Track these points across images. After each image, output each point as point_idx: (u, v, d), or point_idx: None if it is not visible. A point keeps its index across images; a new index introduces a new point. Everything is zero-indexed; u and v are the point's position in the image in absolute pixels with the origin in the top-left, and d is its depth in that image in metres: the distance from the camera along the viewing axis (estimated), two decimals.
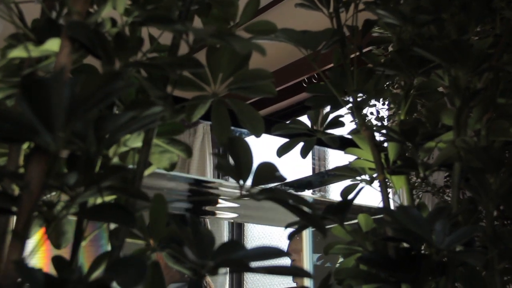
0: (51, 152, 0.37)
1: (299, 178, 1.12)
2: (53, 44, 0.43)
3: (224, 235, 3.04)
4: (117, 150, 0.49)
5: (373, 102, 1.59)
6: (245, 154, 0.45)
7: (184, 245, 0.39)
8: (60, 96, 0.29)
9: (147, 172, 0.60)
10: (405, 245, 0.58)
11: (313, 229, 1.09)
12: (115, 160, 0.50)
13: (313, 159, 2.77)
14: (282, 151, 0.75)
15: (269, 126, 0.76)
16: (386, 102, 1.52)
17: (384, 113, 1.47)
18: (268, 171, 0.44)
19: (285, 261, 2.49)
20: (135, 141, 0.51)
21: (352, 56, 0.71)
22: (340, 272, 0.67)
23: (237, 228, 3.19)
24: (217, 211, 1.21)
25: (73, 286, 0.30)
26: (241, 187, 0.47)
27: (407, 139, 0.60)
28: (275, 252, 0.42)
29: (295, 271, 0.41)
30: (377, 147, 0.65)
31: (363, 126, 0.65)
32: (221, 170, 0.48)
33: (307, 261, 1.04)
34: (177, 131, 0.56)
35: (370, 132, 0.65)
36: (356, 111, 0.67)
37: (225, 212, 1.20)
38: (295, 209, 0.46)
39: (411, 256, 0.57)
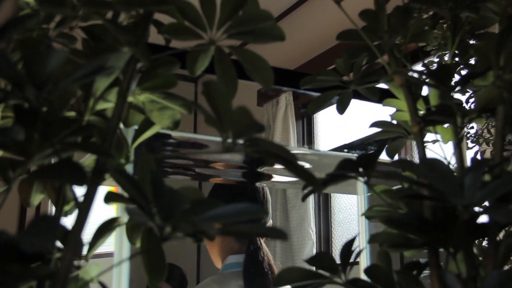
0: None
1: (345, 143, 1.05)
2: None
3: (309, 207, 2.98)
4: (94, 106, 0.45)
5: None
6: (224, 100, 0.39)
7: (137, 204, 0.34)
8: None
9: (150, 132, 0.56)
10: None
11: (368, 194, 1.01)
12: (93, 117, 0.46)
13: None
14: (315, 106, 0.68)
15: (297, 80, 0.69)
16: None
17: None
18: (245, 118, 0.38)
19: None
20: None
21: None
22: (375, 237, 0.60)
23: (323, 199, 3.13)
24: (274, 175, 1.16)
25: None
26: (224, 140, 0.41)
27: (439, 82, 0.51)
28: (251, 210, 0.36)
29: (268, 232, 0.35)
30: (413, 95, 0.57)
31: (395, 71, 0.57)
32: (209, 122, 0.42)
33: (363, 228, 0.98)
34: (170, 84, 0.51)
35: (403, 77, 0.57)
36: (389, 55, 0.59)
37: (281, 176, 1.15)
38: (285, 162, 0.40)
39: (448, 217, 0.50)
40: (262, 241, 1.59)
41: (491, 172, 0.49)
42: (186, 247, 3.78)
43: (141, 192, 0.35)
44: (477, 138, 1.32)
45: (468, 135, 1.30)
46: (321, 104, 0.67)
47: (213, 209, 0.37)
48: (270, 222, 1.69)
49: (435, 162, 0.46)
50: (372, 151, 0.52)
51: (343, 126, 3.14)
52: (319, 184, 0.40)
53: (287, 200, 3.06)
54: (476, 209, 0.45)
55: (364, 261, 1.00)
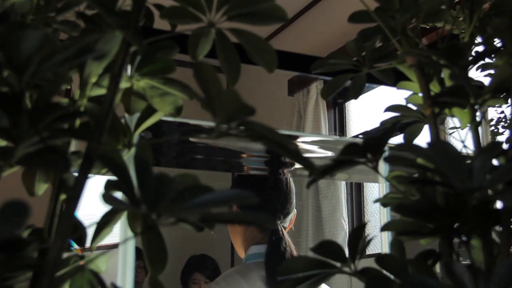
0: None
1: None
2: None
3: (342, 197, 2.95)
4: (88, 91, 0.44)
5: None
6: (215, 84, 0.38)
7: (122, 192, 0.33)
8: None
9: (152, 119, 0.55)
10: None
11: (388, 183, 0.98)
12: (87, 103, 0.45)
13: None
14: (327, 91, 0.66)
15: (308, 64, 0.67)
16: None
17: None
18: (235, 101, 0.37)
19: None
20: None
21: None
22: (388, 226, 0.58)
23: (356, 189, 3.09)
24: (296, 167, 1.15)
25: None
26: (217, 125, 0.40)
27: (450, 62, 0.49)
28: (240, 197, 0.35)
29: (254, 219, 0.33)
30: (426, 77, 0.54)
31: (405, 51, 0.54)
32: (204, 107, 0.41)
33: (384, 217, 0.96)
34: (169, 69, 0.49)
35: (415, 58, 0.54)
36: (401, 34, 0.56)
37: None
38: (278, 145, 0.38)
39: (459, 202, 0.47)
40: (284, 231, 1.58)
41: (505, 155, 0.46)
42: (220, 238, 3.78)
43: (126, 179, 0.34)
44: (510, 123, 1.27)
45: (499, 120, 1.26)
46: (334, 89, 0.65)
47: (201, 195, 0.35)
48: (294, 212, 1.67)
49: (443, 146, 0.44)
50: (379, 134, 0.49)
51: (376, 115, 3.09)
52: (318, 170, 0.38)
53: (318, 190, 3.03)
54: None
55: (386, 251, 0.97)
